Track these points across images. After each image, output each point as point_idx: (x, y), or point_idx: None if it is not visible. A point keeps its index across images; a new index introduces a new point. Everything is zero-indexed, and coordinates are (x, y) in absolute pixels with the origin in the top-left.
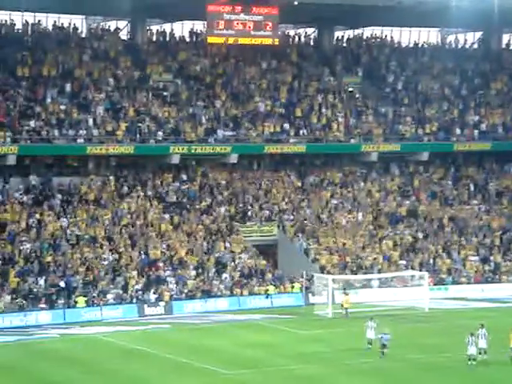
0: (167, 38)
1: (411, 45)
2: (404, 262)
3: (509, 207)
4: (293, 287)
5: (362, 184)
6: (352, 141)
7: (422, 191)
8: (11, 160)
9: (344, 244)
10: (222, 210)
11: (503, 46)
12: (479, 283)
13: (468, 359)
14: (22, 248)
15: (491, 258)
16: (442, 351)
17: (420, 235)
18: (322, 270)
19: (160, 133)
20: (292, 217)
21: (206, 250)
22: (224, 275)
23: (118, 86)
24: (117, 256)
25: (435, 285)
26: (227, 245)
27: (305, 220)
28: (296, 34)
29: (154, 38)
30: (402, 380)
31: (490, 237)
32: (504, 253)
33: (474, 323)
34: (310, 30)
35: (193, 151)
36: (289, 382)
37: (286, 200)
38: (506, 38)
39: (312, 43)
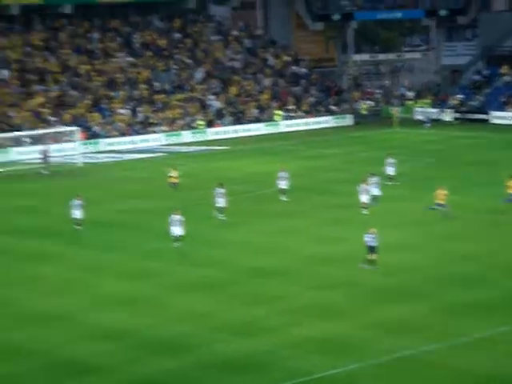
0: None
1: None
2: (54, 119)
3: (153, 59)
4: None
5: (5, 39)
6: None
7: (68, 45)
8: None
9: None
10: None
11: None
12: (129, 135)
13: None
14: None
15: (139, 109)
16: (97, 203)
17: (69, 90)
18: None
19: None
20: None
21: None
22: None
23: None
24: None
25: (87, 139)
26: None
27: None
28: None
29: None
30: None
31: (137, 89)
32: (151, 105)
33: (127, 174)
34: None
35: None
36: None
37: None
38: None
39: None
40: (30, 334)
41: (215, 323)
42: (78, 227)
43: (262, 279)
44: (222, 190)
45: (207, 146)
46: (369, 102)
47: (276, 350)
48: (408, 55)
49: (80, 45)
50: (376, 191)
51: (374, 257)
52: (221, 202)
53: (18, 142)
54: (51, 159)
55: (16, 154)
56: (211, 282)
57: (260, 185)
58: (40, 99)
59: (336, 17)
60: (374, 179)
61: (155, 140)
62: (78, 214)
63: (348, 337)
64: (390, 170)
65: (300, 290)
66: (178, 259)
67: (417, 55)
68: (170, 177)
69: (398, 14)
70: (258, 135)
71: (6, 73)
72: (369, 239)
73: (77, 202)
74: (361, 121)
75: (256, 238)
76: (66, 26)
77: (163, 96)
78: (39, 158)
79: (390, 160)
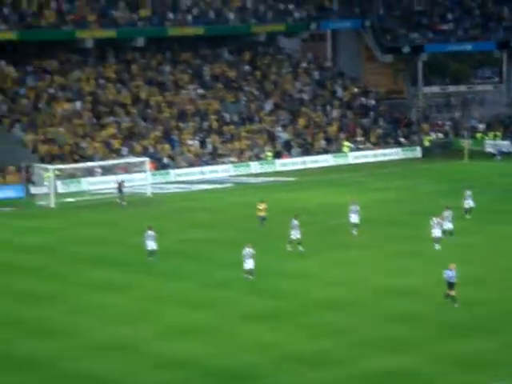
0: None
1: None
2: (125, 149)
3: (223, 91)
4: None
5: (79, 72)
6: (65, 27)
7: (139, 77)
8: None
9: (63, 133)
10: None
11: None
12: (198, 166)
13: None
14: None
15: (209, 140)
16: (165, 233)
17: (140, 122)
18: (42, 160)
19: None
20: (6, 107)
21: None
22: None
23: None
24: None
25: (156, 170)
26: None
27: (22, 110)
28: None
29: None
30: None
31: (206, 120)
32: (220, 136)
33: (195, 204)
34: None
35: None
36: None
37: None
38: None
39: None
40: (95, 363)
41: (282, 354)
42: (151, 258)
43: (331, 310)
44: (297, 222)
45: (275, 177)
46: (438, 135)
47: (344, 382)
48: (479, 87)
49: (151, 77)
50: (449, 225)
51: (453, 293)
52: (296, 234)
53: (89, 173)
54: (125, 190)
55: (87, 184)
56: (279, 313)
57: (328, 216)
58: (111, 130)
59: (406, 49)
60: (448, 213)
61: (224, 171)
62: (151, 245)
63: (415, 371)
64: (469, 203)
65: (368, 322)
66: (246, 289)
67: (488, 87)
68: (258, 210)
69: (469, 47)
70: (325, 167)
71: (78, 104)
72: (448, 275)
73: (150, 233)
74: (429, 153)
75: (325, 269)
76: (138, 58)
77: (232, 127)
78: (116, 189)
79: (468, 192)
